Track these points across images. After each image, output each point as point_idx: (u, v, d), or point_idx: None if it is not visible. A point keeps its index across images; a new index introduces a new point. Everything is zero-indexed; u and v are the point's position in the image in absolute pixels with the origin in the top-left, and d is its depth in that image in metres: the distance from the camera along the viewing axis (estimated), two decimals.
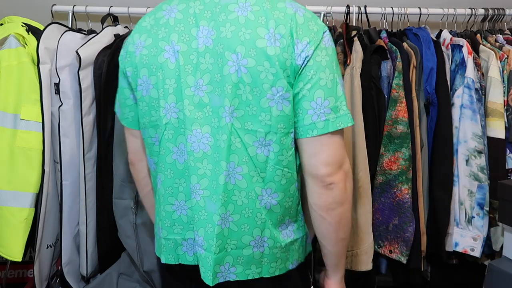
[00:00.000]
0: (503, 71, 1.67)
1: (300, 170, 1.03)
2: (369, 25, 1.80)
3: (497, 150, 1.63)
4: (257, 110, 0.94)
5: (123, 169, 1.54)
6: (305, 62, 0.93)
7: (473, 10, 1.86)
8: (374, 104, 1.59)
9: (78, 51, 1.50)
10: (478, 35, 1.80)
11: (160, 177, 1.06)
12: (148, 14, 1.06)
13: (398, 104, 1.57)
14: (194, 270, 1.05)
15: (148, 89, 1.01)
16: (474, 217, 1.62)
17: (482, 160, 1.60)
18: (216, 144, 0.98)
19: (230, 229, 1.00)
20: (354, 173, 1.55)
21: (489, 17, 1.90)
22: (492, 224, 1.64)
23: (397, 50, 1.62)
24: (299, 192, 1.07)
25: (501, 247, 1.57)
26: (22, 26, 1.56)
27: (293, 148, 1.00)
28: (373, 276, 1.67)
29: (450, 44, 1.72)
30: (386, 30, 1.78)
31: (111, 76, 1.54)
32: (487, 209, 1.61)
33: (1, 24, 1.61)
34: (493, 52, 1.67)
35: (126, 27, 1.83)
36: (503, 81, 1.66)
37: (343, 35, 1.68)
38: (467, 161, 1.61)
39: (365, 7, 1.81)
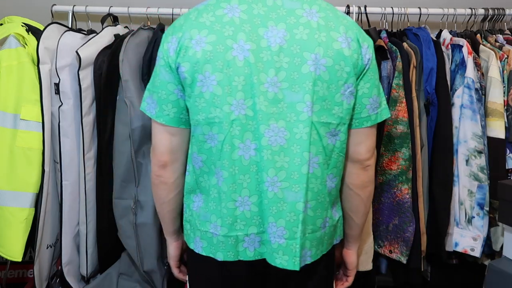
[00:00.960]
0: (503, 71, 1.67)
1: None
2: (369, 25, 1.80)
3: (497, 150, 1.63)
4: (331, 104, 1.06)
5: (123, 169, 1.54)
6: (368, 64, 1.09)
7: (473, 10, 1.86)
8: None
9: (78, 51, 1.50)
10: (478, 35, 1.80)
11: (222, 174, 1.07)
12: (201, 9, 1.06)
13: (398, 104, 1.57)
14: (244, 265, 1.13)
15: (210, 85, 1.03)
16: (474, 217, 1.62)
17: (482, 160, 1.60)
18: (294, 137, 1.05)
19: (308, 215, 1.10)
20: None
21: (489, 17, 1.90)
22: (492, 224, 1.64)
23: (397, 50, 1.62)
24: None
25: (501, 247, 1.57)
26: (22, 26, 1.56)
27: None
28: (373, 276, 1.67)
29: (450, 44, 1.72)
30: (386, 30, 1.78)
31: (111, 76, 1.54)
32: (487, 209, 1.61)
33: (1, 24, 1.61)
34: (493, 52, 1.67)
35: (126, 27, 1.83)
36: (503, 81, 1.66)
37: None
38: (467, 161, 1.61)
39: (365, 7, 1.81)
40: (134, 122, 1.51)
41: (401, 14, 1.83)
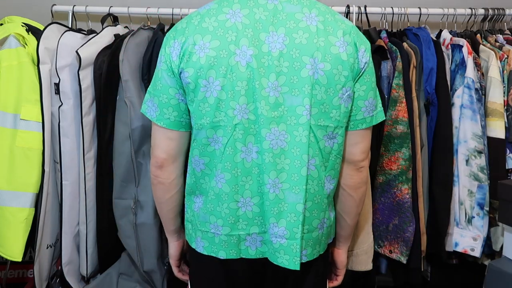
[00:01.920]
0: (503, 71, 1.67)
1: None
2: (369, 25, 1.80)
3: (497, 150, 1.63)
4: (329, 107, 1.08)
5: (123, 169, 1.54)
6: (364, 67, 1.10)
7: (473, 10, 1.86)
8: None
9: (78, 51, 1.50)
10: (478, 35, 1.80)
11: (223, 176, 1.10)
12: (203, 14, 1.07)
13: (398, 104, 1.57)
14: (243, 263, 1.16)
15: (214, 90, 1.04)
16: (474, 217, 1.62)
17: (482, 160, 1.60)
18: (294, 140, 1.07)
19: (305, 216, 1.12)
20: None
21: (489, 17, 1.90)
22: (492, 224, 1.64)
23: (397, 50, 1.62)
24: None
25: (501, 247, 1.57)
26: (22, 26, 1.56)
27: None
28: (373, 276, 1.67)
29: (450, 44, 1.72)
30: (386, 30, 1.78)
31: (111, 76, 1.54)
32: (487, 209, 1.61)
33: (1, 24, 1.61)
34: (493, 52, 1.67)
35: (126, 27, 1.83)
36: (503, 81, 1.66)
37: None
38: (467, 161, 1.61)
39: (365, 7, 1.81)
40: (134, 122, 1.51)
41: (401, 14, 1.83)
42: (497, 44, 1.77)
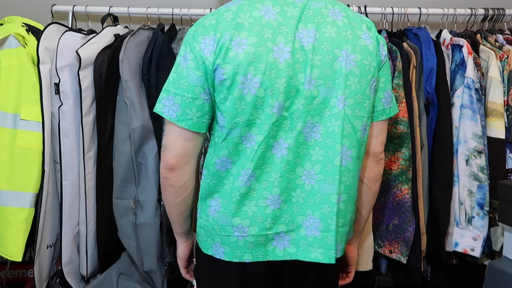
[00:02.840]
0: (503, 71, 1.67)
1: None
2: None
3: (497, 150, 1.63)
4: (363, 98, 1.09)
5: (123, 169, 1.54)
6: (384, 59, 1.13)
7: (473, 10, 1.86)
8: None
9: (78, 51, 1.50)
10: (478, 35, 1.80)
11: (254, 174, 1.07)
12: (234, 10, 1.05)
13: (398, 104, 1.57)
14: (265, 267, 1.12)
15: (252, 87, 1.02)
16: (474, 217, 1.62)
17: (482, 160, 1.60)
18: (327, 131, 1.07)
19: (340, 208, 1.10)
20: None
21: (489, 17, 1.90)
22: (492, 224, 1.64)
23: (397, 50, 1.62)
24: None
25: (501, 247, 1.57)
26: (22, 26, 1.56)
27: None
28: (373, 276, 1.67)
29: (450, 44, 1.72)
30: (386, 30, 1.78)
31: (111, 76, 1.54)
32: (487, 209, 1.61)
33: (1, 24, 1.61)
34: (493, 52, 1.67)
35: (126, 27, 1.83)
36: (503, 81, 1.66)
37: None
38: (467, 161, 1.61)
39: (365, 7, 1.81)
40: (134, 122, 1.51)
41: (401, 14, 1.83)
42: (497, 44, 1.77)
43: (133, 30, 1.66)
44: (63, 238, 1.60)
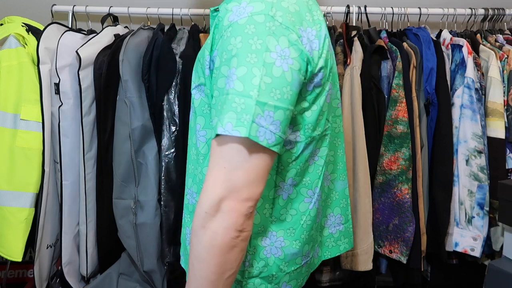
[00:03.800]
0: (503, 71, 1.67)
1: None
2: (369, 25, 1.80)
3: (497, 150, 1.63)
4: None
5: (123, 169, 1.54)
6: None
7: (473, 10, 1.86)
8: (374, 104, 1.59)
9: (78, 51, 1.50)
10: (478, 35, 1.80)
11: (318, 192, 0.95)
12: (311, 10, 0.87)
13: (398, 104, 1.57)
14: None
15: (328, 95, 0.89)
16: (474, 217, 1.62)
17: (482, 160, 1.60)
18: (334, 131, 1.02)
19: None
20: (354, 173, 1.55)
21: (489, 17, 1.89)
22: (492, 224, 1.64)
23: (397, 50, 1.62)
24: None
25: (501, 247, 1.57)
26: (22, 26, 1.56)
27: None
28: (373, 276, 1.67)
29: (450, 44, 1.72)
30: (386, 30, 1.78)
31: (111, 76, 1.54)
32: (487, 209, 1.61)
33: (1, 24, 1.61)
34: (493, 52, 1.67)
35: (126, 27, 1.83)
36: (503, 81, 1.66)
37: (343, 35, 1.68)
38: (467, 161, 1.61)
39: (365, 7, 1.81)
40: (134, 122, 1.51)
41: (401, 14, 1.83)
42: (497, 44, 1.77)
43: (133, 30, 1.65)
44: (63, 238, 1.60)
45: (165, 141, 1.58)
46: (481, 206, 1.61)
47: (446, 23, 1.89)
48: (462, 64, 1.64)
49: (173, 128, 1.59)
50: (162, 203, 1.58)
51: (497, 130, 1.63)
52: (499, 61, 1.66)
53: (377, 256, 1.65)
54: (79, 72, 1.50)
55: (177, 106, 1.58)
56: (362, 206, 1.53)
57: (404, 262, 1.58)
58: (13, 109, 1.50)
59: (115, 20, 1.86)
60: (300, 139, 0.88)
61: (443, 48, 1.71)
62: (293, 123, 0.86)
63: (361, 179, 1.53)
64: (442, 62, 1.65)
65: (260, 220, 0.89)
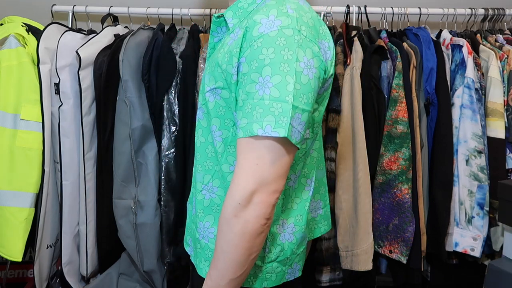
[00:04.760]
0: (503, 71, 1.67)
1: None
2: (369, 25, 1.80)
3: (497, 150, 1.63)
4: None
5: (123, 169, 1.54)
6: None
7: (473, 10, 1.86)
8: (374, 104, 1.59)
9: (78, 51, 1.50)
10: (478, 35, 1.80)
11: (313, 178, 1.08)
12: (321, 24, 0.98)
13: (398, 104, 1.57)
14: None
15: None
16: (474, 217, 1.62)
17: (482, 160, 1.60)
18: None
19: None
20: (354, 173, 1.55)
21: (489, 17, 1.89)
22: (492, 224, 1.64)
23: (397, 50, 1.62)
24: None
25: (501, 247, 1.57)
26: (22, 26, 1.56)
27: None
28: (373, 276, 1.67)
29: (450, 44, 1.72)
30: (386, 30, 1.78)
31: (111, 76, 1.54)
32: (487, 209, 1.61)
33: (1, 24, 1.61)
34: (493, 52, 1.67)
35: (126, 27, 1.83)
36: (503, 81, 1.66)
37: (343, 35, 1.68)
38: (467, 161, 1.61)
39: (365, 7, 1.81)
40: (134, 122, 1.52)
41: (401, 14, 1.83)
42: (497, 44, 1.77)
43: (133, 30, 1.66)
44: (63, 238, 1.60)
45: (165, 141, 1.58)
46: (481, 206, 1.61)
47: (446, 23, 1.89)
48: (462, 64, 1.64)
49: (173, 128, 1.59)
50: (162, 203, 1.58)
51: (497, 130, 1.63)
52: (499, 61, 1.66)
53: (377, 256, 1.65)
54: (79, 72, 1.50)
55: (177, 106, 1.58)
56: (362, 206, 1.53)
57: (404, 262, 1.58)
58: (13, 109, 1.50)
59: (115, 20, 1.86)
60: (309, 136, 1.00)
61: (443, 48, 1.71)
62: (310, 122, 0.98)
63: (361, 179, 1.53)
64: (442, 62, 1.65)
65: (276, 210, 0.97)
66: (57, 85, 1.53)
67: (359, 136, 1.53)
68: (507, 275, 1.34)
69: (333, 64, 0.96)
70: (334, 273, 1.65)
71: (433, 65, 1.61)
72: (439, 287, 1.80)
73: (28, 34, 1.55)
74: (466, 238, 1.63)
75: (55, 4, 1.83)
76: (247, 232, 0.86)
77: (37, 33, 1.56)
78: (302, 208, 1.03)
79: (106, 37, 1.62)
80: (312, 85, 0.87)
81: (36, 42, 1.53)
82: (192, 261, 1.09)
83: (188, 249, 1.12)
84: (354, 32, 1.73)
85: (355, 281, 1.67)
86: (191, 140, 1.44)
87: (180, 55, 1.61)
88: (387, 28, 1.85)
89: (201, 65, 1.57)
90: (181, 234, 1.52)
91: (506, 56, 1.68)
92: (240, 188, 0.85)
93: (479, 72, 1.65)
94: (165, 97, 1.58)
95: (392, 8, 1.81)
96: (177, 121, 1.58)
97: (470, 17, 1.88)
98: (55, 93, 1.54)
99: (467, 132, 1.60)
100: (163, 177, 1.58)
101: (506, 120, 1.64)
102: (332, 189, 1.57)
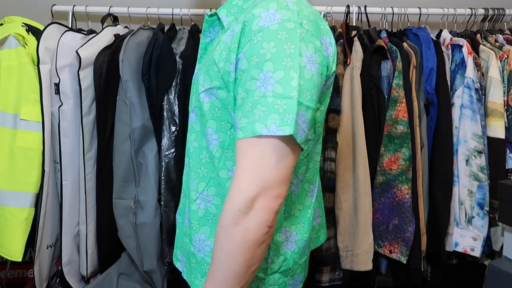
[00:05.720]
0: (503, 71, 1.67)
1: None
2: (369, 25, 1.80)
3: (497, 150, 1.63)
4: None
5: (123, 169, 1.54)
6: None
7: (473, 10, 1.86)
8: (374, 104, 1.59)
9: (78, 51, 1.50)
10: (478, 35, 1.80)
11: (317, 183, 1.03)
12: (315, 14, 0.91)
13: (398, 104, 1.57)
14: None
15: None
16: (474, 217, 1.62)
17: (482, 160, 1.60)
18: None
19: None
20: (354, 173, 1.55)
21: (489, 17, 1.90)
22: (492, 224, 1.64)
23: (397, 50, 1.62)
24: None
25: (501, 247, 1.57)
26: (22, 26, 1.56)
27: None
28: (373, 276, 1.67)
29: (450, 44, 1.72)
30: (386, 30, 1.78)
31: (111, 76, 1.54)
32: (487, 209, 1.61)
33: (1, 24, 1.61)
34: (493, 52, 1.67)
35: (126, 27, 1.83)
36: (503, 81, 1.66)
37: (343, 35, 1.68)
38: (467, 161, 1.61)
39: (365, 7, 1.81)
40: (134, 122, 1.51)
41: (401, 14, 1.83)
42: (497, 44, 1.77)
43: (133, 30, 1.65)
44: (63, 238, 1.60)
45: (165, 141, 1.58)
46: (481, 206, 1.61)
47: (446, 23, 1.89)
48: (462, 64, 1.64)
49: (173, 128, 1.59)
50: (162, 203, 1.58)
51: (497, 130, 1.63)
52: (499, 61, 1.66)
53: (377, 256, 1.65)
54: (79, 72, 1.50)
55: (177, 106, 1.59)
56: (362, 206, 1.53)
57: (404, 262, 1.58)
58: (13, 109, 1.50)
59: (115, 20, 1.86)
60: (311, 137, 0.94)
61: (443, 48, 1.71)
62: (318, 121, 0.94)
63: (361, 179, 1.53)
64: (442, 62, 1.65)
65: (278, 217, 0.90)
66: (57, 85, 1.53)
67: (359, 136, 1.53)
68: (507, 275, 1.34)
69: (335, 61, 0.91)
70: (334, 273, 1.65)
71: (433, 65, 1.61)
72: (439, 287, 1.80)
73: (28, 34, 1.55)
74: (466, 238, 1.63)
75: (55, 4, 1.83)
76: (247, 241, 0.78)
77: (37, 33, 1.56)
78: (305, 215, 0.97)
79: (106, 37, 1.62)
80: (316, 81, 0.82)
81: (36, 42, 1.53)
82: (185, 277, 1.01)
83: (178, 265, 1.05)
84: (354, 32, 1.73)
85: (355, 281, 1.67)
86: None
87: (180, 55, 1.61)
88: (387, 28, 1.85)
89: None
90: None
91: (506, 56, 1.68)
92: (240, 193, 0.77)
93: (479, 72, 1.65)
94: (165, 97, 1.58)
95: (392, 8, 1.82)
96: (177, 121, 1.58)
97: (470, 17, 1.88)
98: (55, 93, 1.54)
99: (467, 132, 1.60)
100: (163, 177, 1.58)
101: (506, 120, 1.64)
102: (332, 189, 1.57)
